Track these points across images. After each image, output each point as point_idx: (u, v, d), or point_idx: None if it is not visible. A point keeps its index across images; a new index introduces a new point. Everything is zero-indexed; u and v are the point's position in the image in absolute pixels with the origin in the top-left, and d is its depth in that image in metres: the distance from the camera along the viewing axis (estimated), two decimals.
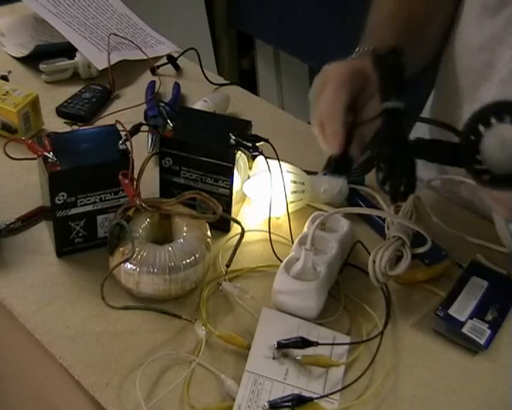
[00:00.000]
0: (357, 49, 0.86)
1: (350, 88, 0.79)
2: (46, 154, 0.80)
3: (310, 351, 0.73)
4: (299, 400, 0.69)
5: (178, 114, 0.96)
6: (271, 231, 0.87)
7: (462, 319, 0.78)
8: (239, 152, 0.86)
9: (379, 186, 0.74)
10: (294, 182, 0.91)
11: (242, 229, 0.85)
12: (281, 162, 0.88)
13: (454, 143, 0.70)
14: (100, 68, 1.18)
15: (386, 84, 0.76)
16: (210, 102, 1.09)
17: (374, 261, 0.78)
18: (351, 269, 0.86)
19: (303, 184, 0.91)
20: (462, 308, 0.79)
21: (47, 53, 1.20)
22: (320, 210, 0.92)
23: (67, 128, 1.07)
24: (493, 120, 0.64)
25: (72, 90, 1.15)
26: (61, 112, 1.10)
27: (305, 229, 0.84)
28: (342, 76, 0.79)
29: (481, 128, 0.65)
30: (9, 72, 1.15)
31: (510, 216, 0.70)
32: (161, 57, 1.26)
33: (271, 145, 0.87)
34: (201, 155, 0.86)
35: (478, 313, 0.79)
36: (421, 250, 0.81)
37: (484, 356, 0.77)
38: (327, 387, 0.71)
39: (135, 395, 0.69)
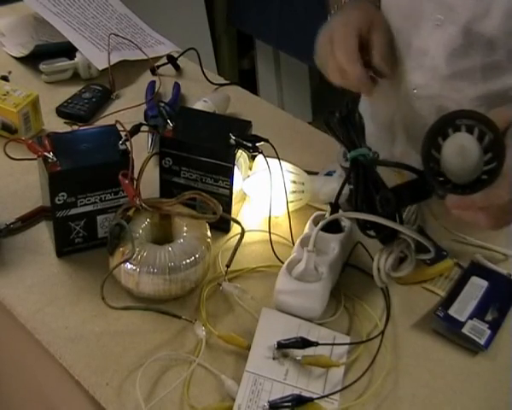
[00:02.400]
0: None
1: (357, 31, 0.85)
2: (46, 154, 0.80)
3: (310, 351, 0.73)
4: (299, 400, 0.69)
5: (178, 114, 0.96)
6: (271, 231, 0.87)
7: (462, 319, 0.78)
8: (239, 151, 0.86)
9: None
10: (294, 182, 0.91)
11: (242, 229, 0.85)
12: (281, 162, 0.88)
13: (415, 179, 0.74)
14: (100, 68, 1.18)
15: (346, 140, 0.81)
16: (210, 102, 1.09)
17: (379, 262, 0.78)
18: (351, 269, 0.85)
19: (303, 184, 0.91)
20: (462, 309, 0.79)
21: (47, 53, 1.20)
22: (320, 210, 0.91)
23: (67, 128, 1.07)
24: (449, 131, 0.65)
25: (72, 90, 1.15)
26: (61, 112, 1.10)
27: (307, 230, 0.84)
28: (348, 26, 0.85)
29: (440, 141, 0.66)
30: (10, 72, 1.15)
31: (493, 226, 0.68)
32: (161, 57, 1.26)
33: (271, 145, 0.87)
34: (201, 155, 0.86)
35: (478, 314, 0.79)
36: (424, 257, 0.81)
37: (484, 356, 0.76)
38: (327, 387, 0.71)
39: (135, 396, 0.69)
